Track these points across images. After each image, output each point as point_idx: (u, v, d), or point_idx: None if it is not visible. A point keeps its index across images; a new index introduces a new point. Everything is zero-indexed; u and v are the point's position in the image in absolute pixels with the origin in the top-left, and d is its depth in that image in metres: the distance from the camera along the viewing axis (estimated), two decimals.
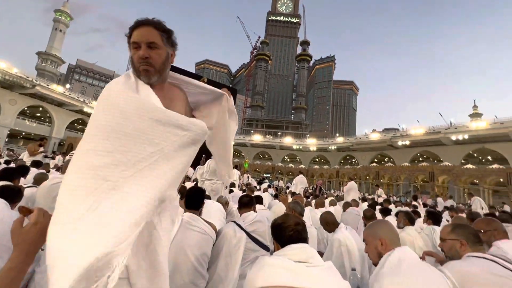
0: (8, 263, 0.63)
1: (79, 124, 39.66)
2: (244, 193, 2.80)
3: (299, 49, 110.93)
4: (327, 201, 5.45)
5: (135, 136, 0.82)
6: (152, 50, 0.96)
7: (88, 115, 36.91)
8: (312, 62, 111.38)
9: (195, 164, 6.69)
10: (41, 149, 6.44)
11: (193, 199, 2.17)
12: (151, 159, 0.81)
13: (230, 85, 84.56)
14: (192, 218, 2.12)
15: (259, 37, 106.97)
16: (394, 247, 1.35)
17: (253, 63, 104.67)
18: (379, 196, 12.14)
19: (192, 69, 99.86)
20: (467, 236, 1.51)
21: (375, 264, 1.40)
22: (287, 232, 1.23)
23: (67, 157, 8.55)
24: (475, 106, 47.21)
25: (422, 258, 1.75)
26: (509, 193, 23.09)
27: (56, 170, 5.85)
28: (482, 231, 1.92)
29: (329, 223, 2.65)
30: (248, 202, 2.57)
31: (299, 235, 1.24)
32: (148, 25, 0.96)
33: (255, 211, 2.62)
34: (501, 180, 24.25)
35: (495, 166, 25.95)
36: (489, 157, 31.17)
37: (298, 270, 1.05)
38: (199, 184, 5.11)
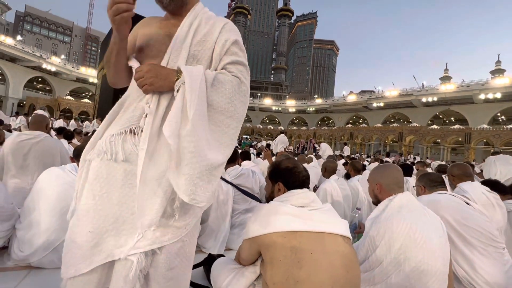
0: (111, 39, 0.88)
1: (38, 82, 35.75)
2: None
3: (280, 3, 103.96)
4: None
5: None
6: None
7: (48, 72, 33.06)
8: (293, 18, 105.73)
9: None
10: None
11: None
12: None
13: None
14: None
15: None
16: (393, 192, 1.40)
17: (231, 17, 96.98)
18: (343, 152, 13.99)
19: None
20: (425, 182, 1.87)
21: (374, 203, 1.51)
22: (300, 177, 1.23)
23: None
24: (446, 69, 49.09)
25: None
26: (464, 151, 25.68)
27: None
28: (453, 175, 2.32)
29: (328, 170, 2.88)
30: (232, 157, 2.60)
31: (308, 181, 1.26)
32: None
33: (239, 165, 2.66)
34: (460, 139, 26.60)
35: (456, 126, 28.17)
36: (452, 118, 33.59)
37: (301, 215, 1.07)
38: None
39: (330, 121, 44.88)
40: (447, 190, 1.82)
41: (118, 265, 0.86)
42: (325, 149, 10.60)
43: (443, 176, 2.37)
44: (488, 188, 2.11)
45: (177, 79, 0.85)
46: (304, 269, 0.95)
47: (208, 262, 1.69)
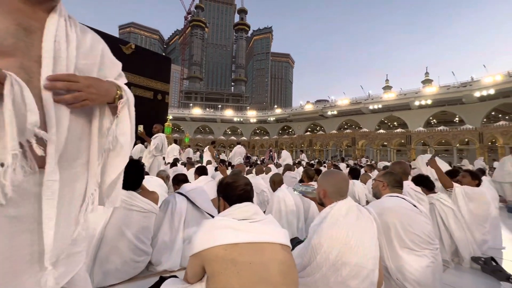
0: None
1: None
2: (180, 173, 2.82)
3: (236, 18, 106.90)
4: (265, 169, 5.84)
5: None
6: None
7: None
8: (250, 32, 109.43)
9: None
10: None
11: (131, 177, 1.95)
12: None
13: (163, 54, 76.75)
14: (130, 197, 1.98)
15: (193, 0, 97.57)
16: (335, 200, 1.47)
17: (188, 29, 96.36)
18: (302, 160, 14.22)
19: (115, 33, 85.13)
20: (389, 180, 1.97)
21: (319, 204, 1.59)
22: (237, 191, 1.25)
23: None
24: (387, 79, 55.33)
25: None
26: (407, 152, 28.98)
27: None
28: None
29: (276, 182, 2.99)
30: (184, 179, 2.68)
31: (248, 195, 1.27)
32: None
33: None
34: (403, 141, 29.96)
35: (399, 130, 31.76)
36: (395, 123, 37.72)
37: (242, 227, 1.11)
38: (144, 160, 4.73)
39: (290, 130, 46.74)
40: (401, 193, 1.95)
41: None
42: (286, 158, 10.89)
43: None
44: (412, 185, 2.43)
45: (119, 96, 0.81)
46: (243, 280, 0.98)
47: (158, 286, 1.63)
